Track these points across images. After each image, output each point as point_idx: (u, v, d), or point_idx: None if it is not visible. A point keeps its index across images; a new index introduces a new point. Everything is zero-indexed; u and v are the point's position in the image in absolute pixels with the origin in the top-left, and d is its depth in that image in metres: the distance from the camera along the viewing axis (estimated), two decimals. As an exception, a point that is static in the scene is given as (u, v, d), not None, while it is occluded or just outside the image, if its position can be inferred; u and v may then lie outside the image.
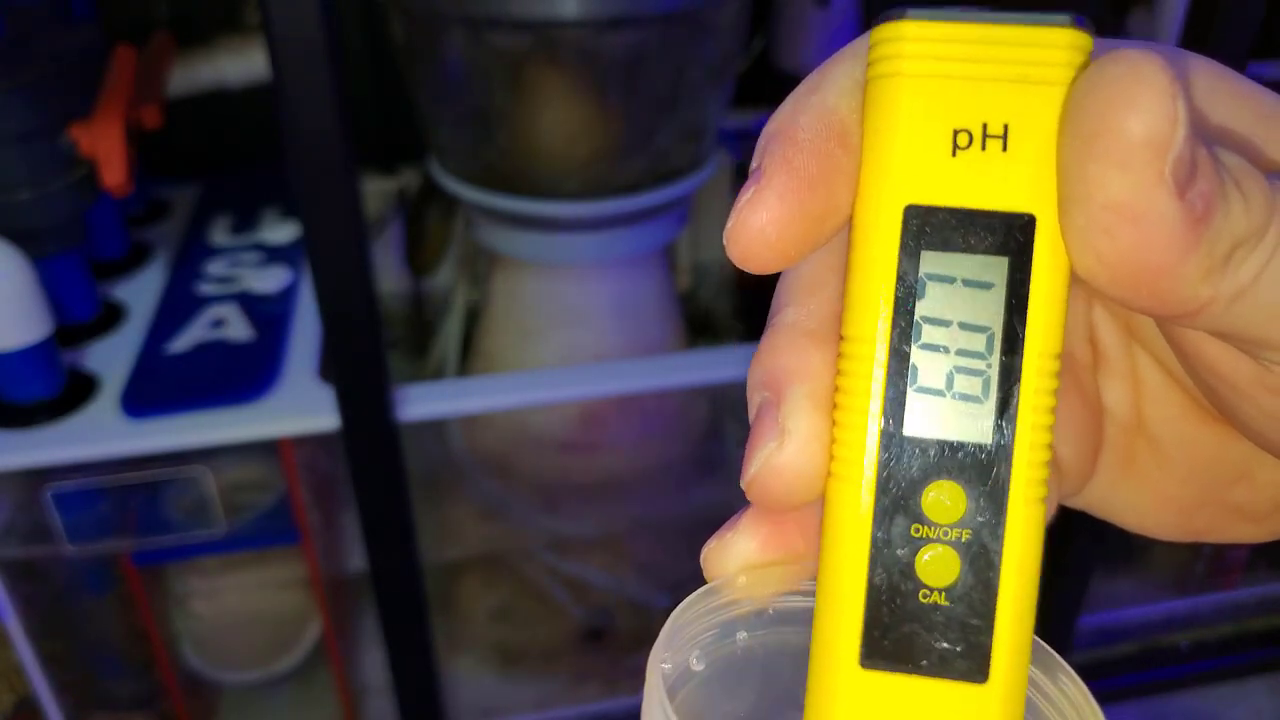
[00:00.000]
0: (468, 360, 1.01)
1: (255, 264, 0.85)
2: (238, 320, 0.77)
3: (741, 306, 1.12)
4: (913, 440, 0.17)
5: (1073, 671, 0.18)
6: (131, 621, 0.81)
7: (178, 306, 0.79)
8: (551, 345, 0.91)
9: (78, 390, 0.70)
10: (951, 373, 0.16)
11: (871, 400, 0.17)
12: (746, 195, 0.17)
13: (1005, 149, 0.16)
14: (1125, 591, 1.07)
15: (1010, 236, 0.16)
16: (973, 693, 0.16)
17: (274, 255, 0.86)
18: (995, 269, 0.16)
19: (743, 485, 0.18)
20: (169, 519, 0.73)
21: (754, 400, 0.18)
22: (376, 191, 1.04)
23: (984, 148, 0.16)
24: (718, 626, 0.19)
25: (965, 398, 0.16)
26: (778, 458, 0.17)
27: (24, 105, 0.66)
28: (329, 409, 0.68)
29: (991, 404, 0.16)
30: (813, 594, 0.18)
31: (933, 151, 0.16)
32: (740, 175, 1.01)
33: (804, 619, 0.19)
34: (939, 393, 0.16)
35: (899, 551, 0.17)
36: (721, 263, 1.12)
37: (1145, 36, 0.88)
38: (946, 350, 0.16)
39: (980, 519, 0.16)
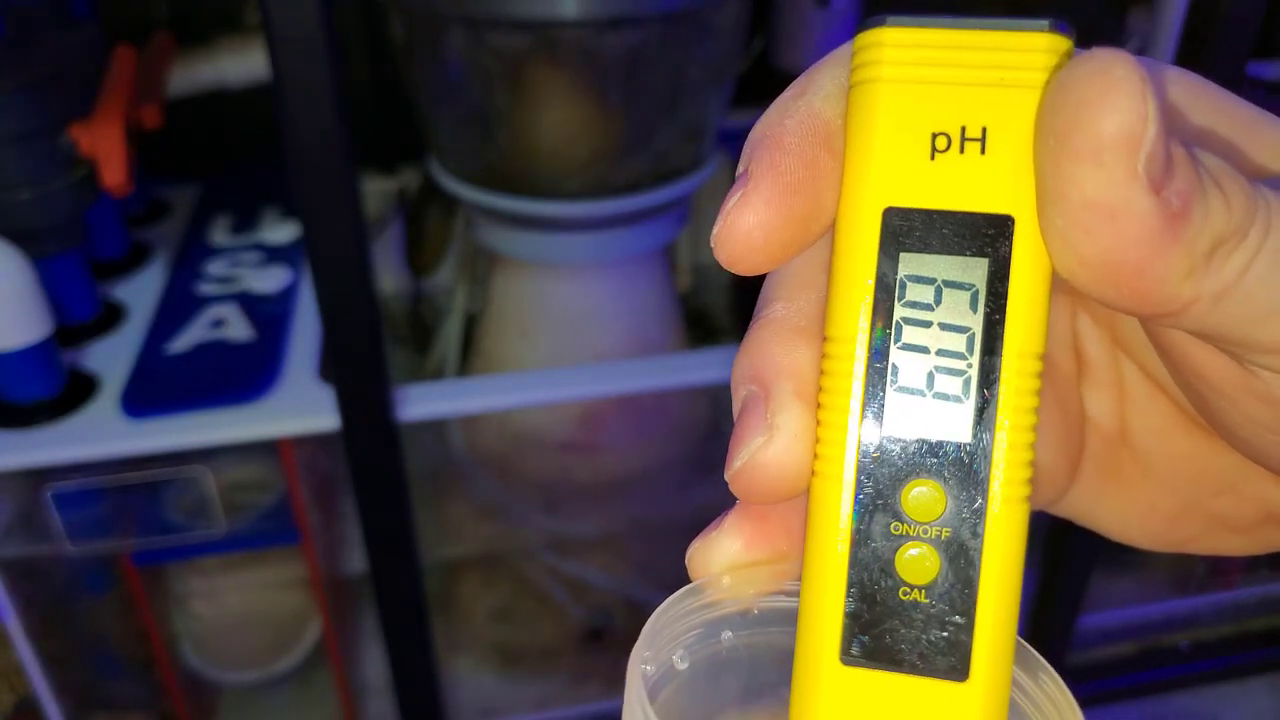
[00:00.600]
0: (468, 360, 1.01)
1: (255, 264, 0.85)
2: (238, 320, 0.77)
3: (741, 306, 1.12)
4: (893, 439, 0.17)
5: (1053, 670, 0.18)
6: (131, 621, 0.82)
7: (178, 306, 0.79)
8: (552, 345, 0.91)
9: (78, 390, 0.70)
10: (932, 373, 0.17)
11: (852, 400, 0.17)
12: (734, 199, 0.17)
13: (984, 151, 0.16)
14: (1125, 591, 1.07)
15: (989, 238, 0.16)
16: (954, 691, 0.16)
17: (274, 255, 0.86)
18: (975, 270, 0.16)
19: (727, 478, 0.18)
20: (169, 519, 0.73)
21: (739, 394, 0.18)
22: (376, 191, 1.05)
23: (963, 150, 0.16)
24: (702, 626, 0.19)
25: (946, 397, 0.16)
26: (765, 453, 0.17)
27: (24, 105, 0.66)
28: (329, 409, 0.68)
29: (972, 404, 0.16)
30: (797, 594, 0.18)
31: (912, 155, 0.16)
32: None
33: (789, 619, 0.19)
34: (919, 392, 0.17)
35: (879, 549, 0.17)
36: (722, 263, 1.12)
37: (1145, 37, 0.88)
38: (927, 350, 0.17)
39: (960, 517, 0.16)
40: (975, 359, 0.16)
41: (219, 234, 0.90)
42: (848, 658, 0.17)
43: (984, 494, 0.16)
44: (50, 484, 0.68)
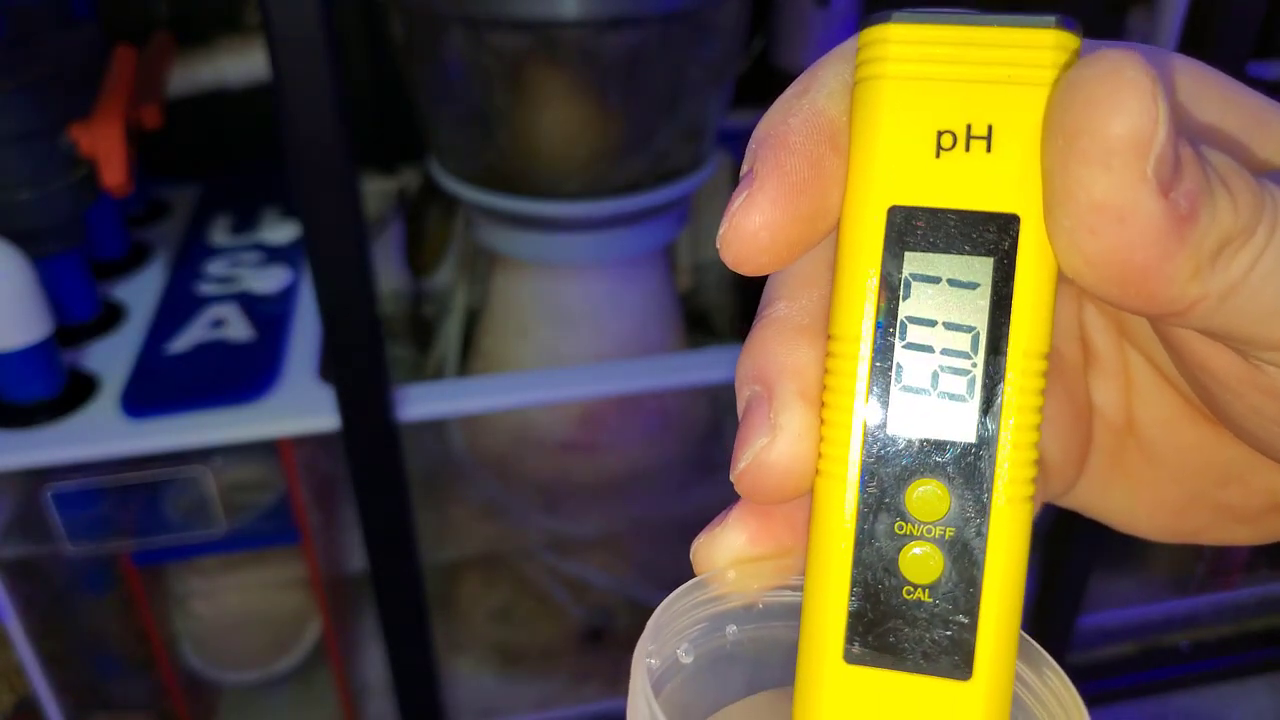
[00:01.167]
0: (468, 360, 1.01)
1: (255, 264, 0.85)
2: (238, 320, 0.77)
3: (742, 306, 1.12)
4: (897, 438, 0.17)
5: (1057, 665, 0.18)
6: (131, 621, 0.82)
7: (178, 306, 0.79)
8: (552, 345, 0.91)
9: (78, 390, 0.70)
10: (937, 372, 0.16)
11: (857, 399, 0.17)
12: (739, 199, 0.17)
13: (989, 150, 0.16)
14: (1125, 591, 1.07)
15: (995, 237, 0.16)
16: (957, 690, 0.16)
17: (274, 255, 0.86)
18: (980, 269, 0.16)
19: (732, 478, 0.18)
20: (169, 519, 0.73)
21: (743, 393, 0.18)
22: (376, 191, 1.05)
23: (968, 149, 0.16)
24: (707, 620, 0.19)
25: (950, 397, 0.16)
26: (769, 453, 0.17)
27: (24, 105, 0.66)
28: (329, 409, 0.68)
29: (976, 403, 0.16)
30: (802, 588, 0.18)
31: (917, 153, 0.16)
32: (739, 178, 1.01)
33: (793, 613, 0.19)
34: (924, 392, 0.17)
35: (883, 548, 0.17)
36: (721, 263, 1.12)
37: (1145, 37, 0.88)
38: (931, 350, 0.16)
39: (964, 517, 0.16)
40: (980, 358, 0.16)
41: (219, 234, 0.90)
42: (851, 657, 0.17)
43: (988, 493, 0.16)
44: (50, 484, 0.68)
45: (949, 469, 0.16)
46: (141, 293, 0.82)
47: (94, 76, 0.76)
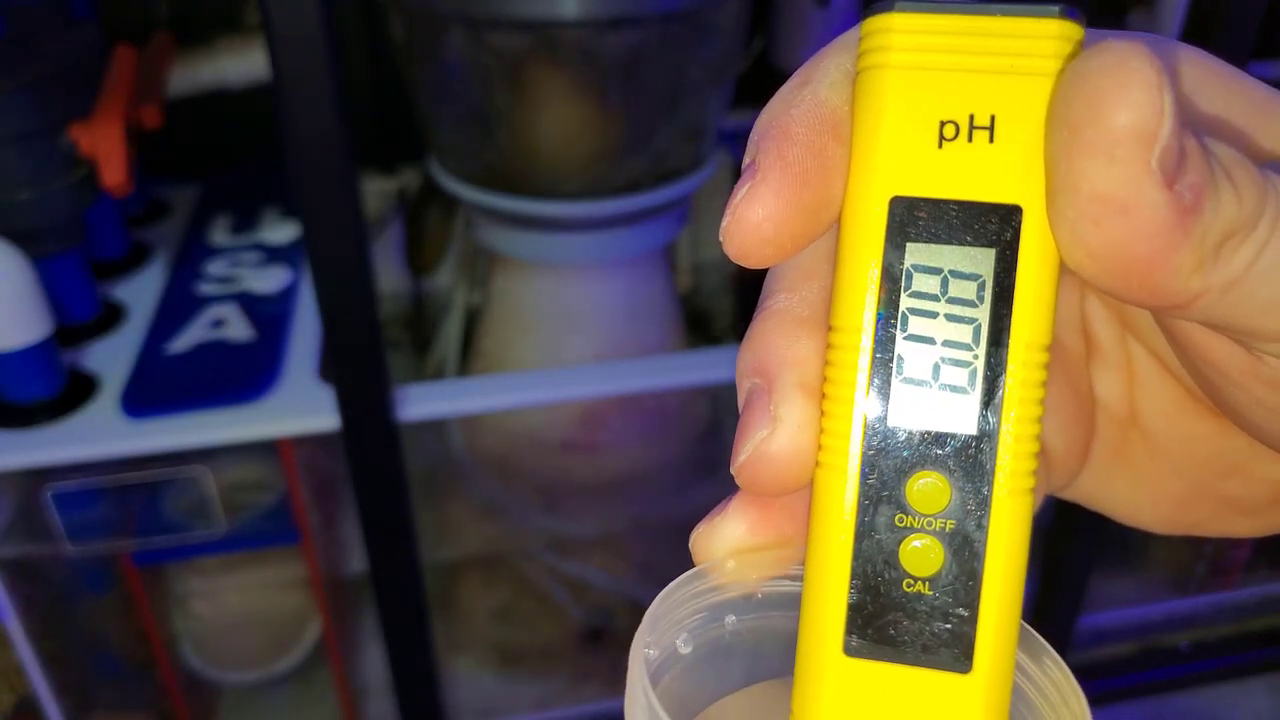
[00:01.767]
0: (468, 360, 1.01)
1: (255, 264, 0.85)
2: (238, 320, 0.77)
3: (742, 306, 1.12)
4: (898, 430, 0.17)
5: (1057, 655, 0.18)
6: (131, 621, 0.82)
7: (178, 306, 0.79)
8: (552, 345, 0.91)
9: (78, 390, 0.70)
10: (938, 364, 0.16)
11: (857, 390, 0.17)
12: (741, 191, 0.17)
13: (992, 140, 0.16)
14: (1125, 591, 1.07)
15: (997, 228, 0.16)
16: (957, 683, 0.16)
17: (274, 255, 0.86)
18: (982, 260, 0.16)
19: (733, 471, 0.18)
20: (169, 519, 0.73)
21: (744, 386, 0.18)
22: (376, 191, 1.05)
23: (971, 139, 0.16)
24: (706, 610, 0.19)
25: (951, 389, 0.16)
26: (769, 445, 0.17)
27: (24, 105, 0.66)
28: (329, 409, 0.68)
29: (977, 395, 0.16)
30: (801, 578, 0.18)
31: (919, 143, 0.16)
32: (739, 175, 1.01)
33: (793, 603, 0.19)
34: (925, 383, 0.16)
35: (883, 541, 0.17)
36: (721, 263, 1.12)
37: (1145, 36, 0.88)
38: (933, 341, 0.16)
39: (965, 510, 0.16)
40: (981, 350, 0.16)
41: (219, 234, 0.90)
42: (851, 650, 0.17)
43: (989, 486, 0.16)
44: (50, 484, 0.68)
45: (950, 461, 0.16)
46: (141, 293, 0.82)
47: (94, 76, 0.76)
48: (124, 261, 0.85)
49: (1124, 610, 1.06)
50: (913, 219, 0.16)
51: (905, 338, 0.16)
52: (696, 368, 0.77)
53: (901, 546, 0.17)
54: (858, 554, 0.17)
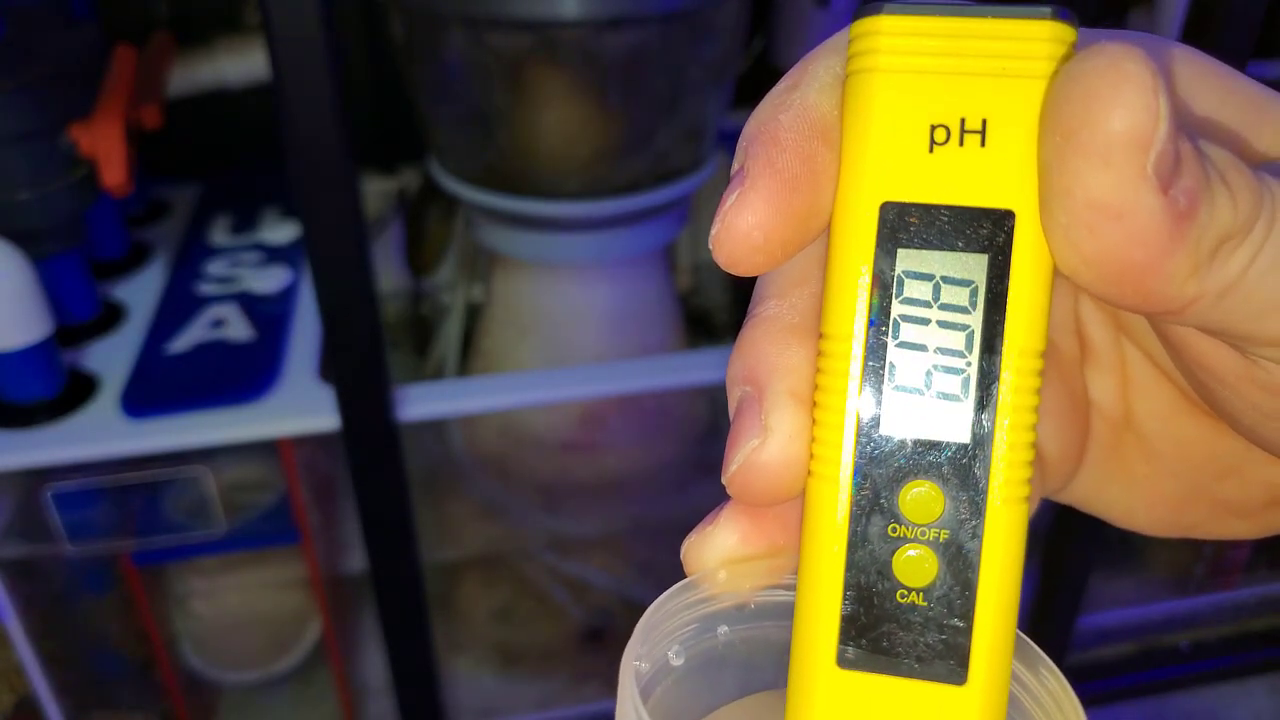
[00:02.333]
0: (468, 360, 1.01)
1: (255, 264, 0.85)
2: (238, 320, 0.77)
3: (741, 306, 1.11)
4: (890, 439, 0.16)
5: (1053, 665, 0.17)
6: (131, 621, 0.82)
7: (178, 306, 0.79)
8: (552, 345, 0.91)
9: (78, 390, 0.70)
10: (930, 371, 0.16)
11: (849, 399, 0.16)
12: (731, 198, 0.17)
13: (984, 144, 0.16)
14: (1125, 591, 1.07)
15: (989, 233, 0.16)
16: (953, 695, 0.16)
17: (274, 255, 0.86)
18: (974, 266, 0.16)
19: (724, 481, 0.18)
20: (169, 519, 0.73)
21: (734, 394, 0.18)
22: (376, 191, 1.05)
23: (962, 143, 0.16)
24: (698, 621, 0.19)
25: (944, 396, 0.16)
26: (760, 455, 0.17)
27: (24, 105, 0.66)
28: (329, 409, 0.68)
29: (970, 403, 0.16)
30: (794, 589, 0.17)
31: (910, 147, 0.16)
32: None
33: (785, 613, 0.18)
34: (918, 391, 0.16)
35: (876, 551, 0.16)
36: (722, 263, 1.12)
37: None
38: (925, 348, 0.16)
39: (959, 519, 0.16)
40: (974, 357, 0.16)
41: (219, 234, 0.90)
42: (844, 661, 0.17)
43: (983, 495, 0.16)
44: (50, 484, 0.68)
45: (943, 470, 0.16)
46: (141, 293, 0.82)
47: (94, 76, 0.76)
48: (124, 261, 0.85)
49: (1124, 610, 1.06)
50: (904, 224, 0.16)
51: (897, 345, 0.16)
52: (696, 368, 0.77)
53: (895, 557, 0.16)
54: (851, 564, 0.16)
